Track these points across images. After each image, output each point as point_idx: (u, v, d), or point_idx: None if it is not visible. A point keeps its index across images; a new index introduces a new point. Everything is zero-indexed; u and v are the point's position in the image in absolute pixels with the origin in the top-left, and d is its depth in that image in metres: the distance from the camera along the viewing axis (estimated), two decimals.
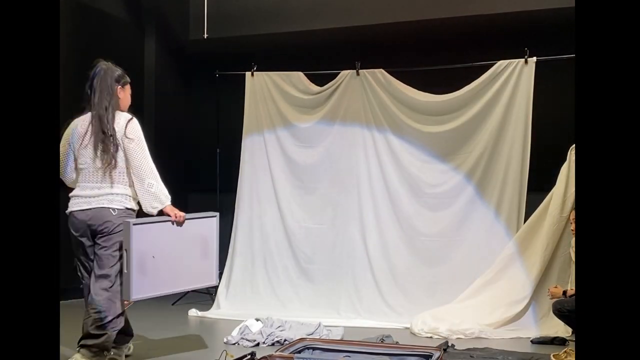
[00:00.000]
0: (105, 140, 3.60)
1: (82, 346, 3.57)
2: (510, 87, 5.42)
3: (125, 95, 3.79)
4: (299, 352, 3.33)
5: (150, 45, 7.42)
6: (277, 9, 7.06)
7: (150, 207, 3.71)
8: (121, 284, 3.63)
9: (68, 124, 3.79)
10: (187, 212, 3.86)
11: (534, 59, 5.37)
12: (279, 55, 6.97)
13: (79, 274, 3.76)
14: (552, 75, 5.68)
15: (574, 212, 4.80)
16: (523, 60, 5.39)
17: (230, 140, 6.51)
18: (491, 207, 5.44)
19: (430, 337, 4.75)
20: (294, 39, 7.05)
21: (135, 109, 3.90)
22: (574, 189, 4.96)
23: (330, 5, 6.84)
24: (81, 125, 3.71)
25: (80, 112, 3.76)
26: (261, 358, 3.09)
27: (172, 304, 5.84)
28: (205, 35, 6.28)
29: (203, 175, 7.49)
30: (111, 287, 3.62)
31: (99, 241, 3.64)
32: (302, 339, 3.62)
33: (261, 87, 6.09)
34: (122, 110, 3.76)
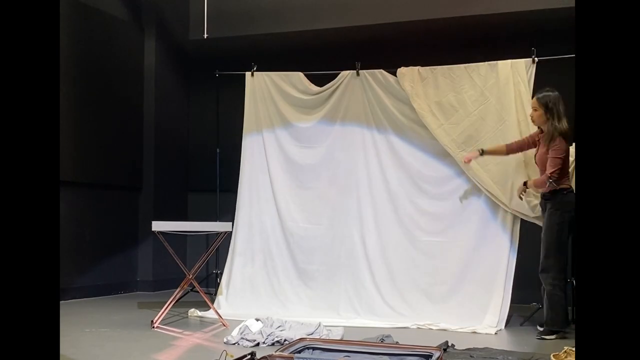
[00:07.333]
0: None
1: None
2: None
3: None
4: (299, 352, 3.33)
5: (150, 45, 7.42)
6: (277, 9, 7.06)
7: None
8: None
9: None
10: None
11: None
12: (279, 55, 6.97)
13: None
14: (553, 75, 5.67)
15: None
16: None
17: (230, 140, 6.51)
18: (491, 207, 5.43)
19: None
20: (294, 39, 7.05)
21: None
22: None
23: (330, 5, 6.85)
24: None
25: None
26: (261, 358, 3.08)
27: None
28: (205, 35, 6.27)
29: (203, 175, 7.48)
30: None
31: None
32: (302, 339, 3.61)
33: (261, 87, 6.07)
34: None
